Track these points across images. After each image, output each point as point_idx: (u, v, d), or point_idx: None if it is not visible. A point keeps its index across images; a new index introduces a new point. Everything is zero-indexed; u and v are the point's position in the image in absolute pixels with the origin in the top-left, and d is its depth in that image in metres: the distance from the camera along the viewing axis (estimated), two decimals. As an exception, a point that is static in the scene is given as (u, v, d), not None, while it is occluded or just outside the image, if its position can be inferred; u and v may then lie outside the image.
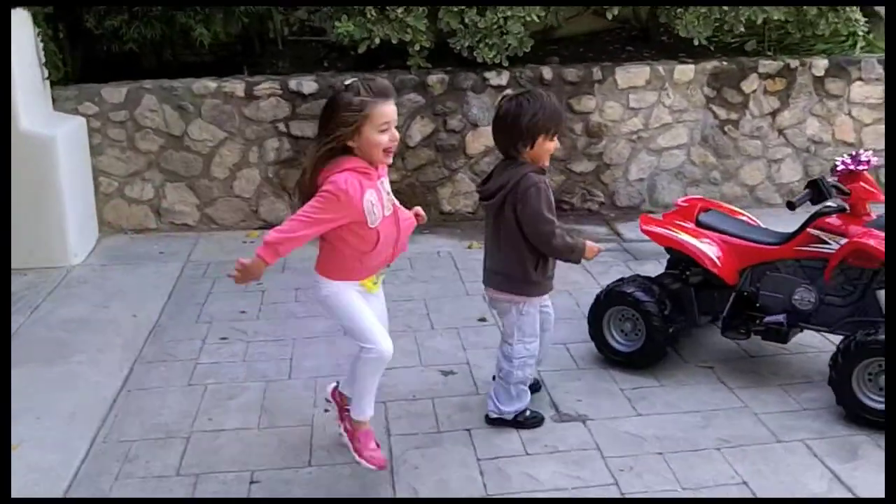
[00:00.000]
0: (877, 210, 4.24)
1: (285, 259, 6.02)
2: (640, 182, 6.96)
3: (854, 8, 6.89)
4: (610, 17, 6.78)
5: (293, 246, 3.26)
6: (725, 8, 6.64)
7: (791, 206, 4.15)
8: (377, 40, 6.49)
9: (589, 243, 3.78)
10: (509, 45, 6.56)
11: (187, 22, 6.45)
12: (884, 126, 7.11)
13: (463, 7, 6.44)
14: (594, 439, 3.85)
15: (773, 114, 6.99)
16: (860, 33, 7.08)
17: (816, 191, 4.11)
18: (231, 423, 4.05)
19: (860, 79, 6.98)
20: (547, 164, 3.83)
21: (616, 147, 6.89)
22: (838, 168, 4.20)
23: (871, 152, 4.21)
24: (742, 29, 6.84)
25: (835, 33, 7.06)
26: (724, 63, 6.91)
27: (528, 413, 4.01)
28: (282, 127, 6.63)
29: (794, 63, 6.92)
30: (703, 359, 4.59)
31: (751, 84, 6.90)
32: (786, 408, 4.11)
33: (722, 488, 3.50)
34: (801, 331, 4.38)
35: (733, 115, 6.95)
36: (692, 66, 6.84)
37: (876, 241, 3.99)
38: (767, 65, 6.89)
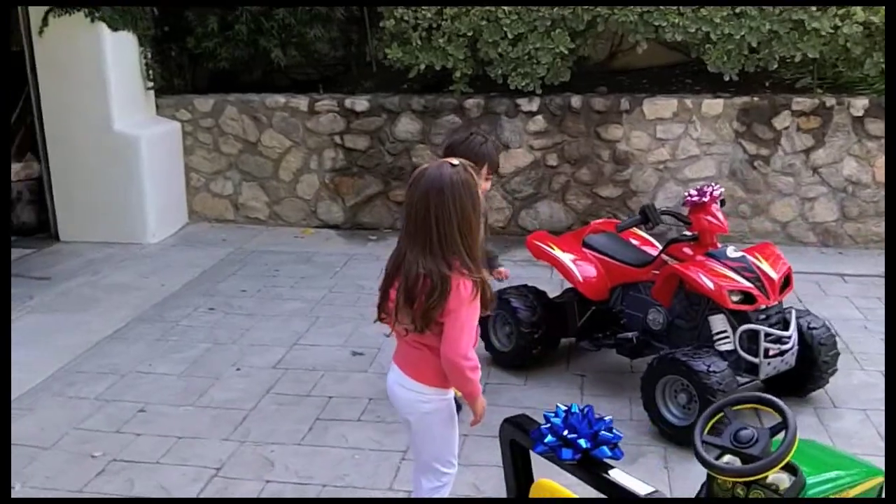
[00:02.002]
0: (740, 242, 4.59)
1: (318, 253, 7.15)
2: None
3: (903, 48, 6.82)
4: (639, 51, 7.21)
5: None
6: (755, 45, 6.88)
7: (618, 228, 4.60)
8: (423, 66, 7.39)
9: None
10: (542, 74, 7.21)
11: (267, 45, 7.68)
12: (934, 170, 6.99)
13: (497, 39, 7.16)
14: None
15: (807, 151, 7.08)
16: (910, 74, 6.98)
17: (644, 217, 4.54)
18: (160, 369, 5.14)
19: (904, 121, 6.90)
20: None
21: (643, 175, 7.31)
22: (686, 199, 4.58)
23: (719, 187, 4.55)
24: (776, 66, 7.02)
25: (882, 74, 7.01)
26: (755, 99, 7.11)
27: None
28: (338, 139, 7.71)
29: (829, 101, 6.99)
30: (583, 369, 5.08)
31: (783, 121, 7.05)
32: (615, 416, 4.55)
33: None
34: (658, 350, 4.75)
35: (764, 151, 7.13)
36: (721, 101, 7.13)
37: (695, 269, 4.37)
38: (801, 102, 7.02)
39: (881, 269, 6.71)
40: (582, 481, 2.33)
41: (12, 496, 3.80)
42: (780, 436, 2.67)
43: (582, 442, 2.21)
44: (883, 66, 6.90)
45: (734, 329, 4.35)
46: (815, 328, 4.59)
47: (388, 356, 5.09)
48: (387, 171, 7.72)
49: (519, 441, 2.48)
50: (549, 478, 2.65)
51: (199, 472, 4.07)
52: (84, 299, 6.26)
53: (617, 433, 2.27)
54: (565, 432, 2.25)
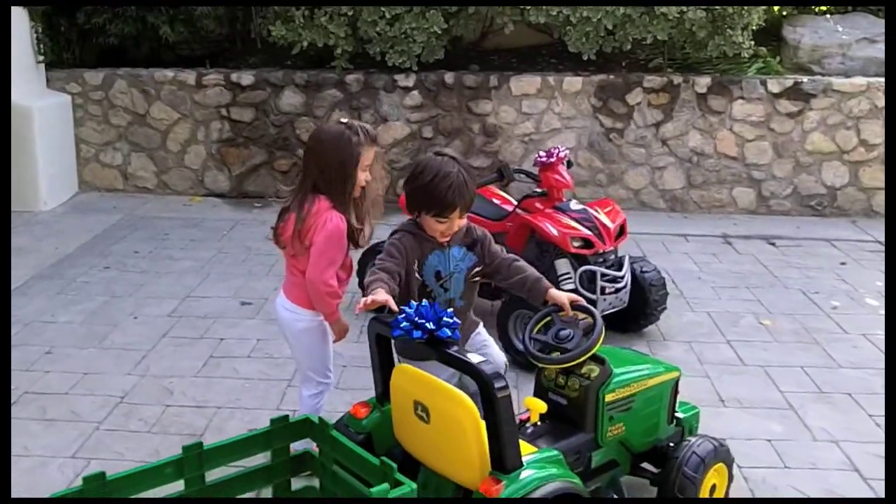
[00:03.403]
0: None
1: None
2: (532, 179, 8.18)
3: (740, 31, 7.86)
4: (507, 31, 8.06)
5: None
6: (611, 27, 7.80)
7: (477, 185, 5.40)
8: (305, 43, 8.06)
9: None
10: (418, 52, 7.97)
11: (155, 22, 8.23)
12: (768, 143, 8.07)
13: (376, 18, 7.89)
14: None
15: (657, 125, 8.07)
16: (745, 56, 8.02)
17: (500, 174, 5.37)
18: (62, 319, 5.71)
19: (742, 97, 7.95)
20: (438, 238, 3.53)
21: (510, 147, 8.17)
22: (536, 160, 5.42)
23: (565, 149, 5.40)
24: (630, 46, 7.96)
25: (724, 55, 8.04)
26: (611, 77, 8.05)
27: None
28: (224, 112, 8.33)
29: (677, 79, 7.98)
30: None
31: (635, 97, 8.01)
32: (476, 349, 5.37)
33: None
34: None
35: (618, 125, 8.08)
36: (580, 79, 8.04)
37: (543, 219, 5.21)
38: (651, 80, 7.99)
39: (720, 231, 7.77)
40: (430, 357, 3.10)
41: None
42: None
43: (429, 324, 2.97)
44: (724, 48, 7.94)
45: (575, 270, 5.20)
46: (647, 271, 5.49)
47: (274, 306, 5.86)
48: (271, 142, 8.38)
49: (382, 333, 3.23)
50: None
51: (106, 400, 4.68)
52: (-17, 262, 6.74)
53: (456, 321, 3.02)
54: (416, 319, 3.00)
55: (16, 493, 3.82)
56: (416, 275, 3.51)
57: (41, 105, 7.95)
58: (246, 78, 8.26)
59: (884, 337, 5.55)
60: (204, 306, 5.96)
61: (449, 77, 8.11)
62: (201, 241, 7.28)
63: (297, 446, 3.23)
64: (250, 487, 3.16)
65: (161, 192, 8.56)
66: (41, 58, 8.15)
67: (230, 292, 6.21)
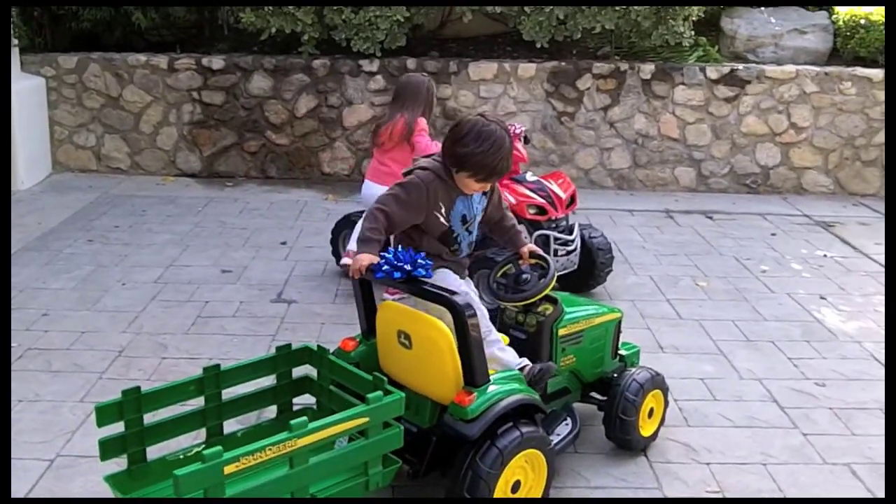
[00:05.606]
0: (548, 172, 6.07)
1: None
2: (489, 159, 8.81)
3: (681, 22, 8.57)
4: (465, 20, 8.69)
5: None
6: (561, 17, 8.46)
7: (441, 159, 6.02)
8: (274, 29, 8.61)
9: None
10: (381, 39, 8.56)
11: (127, 8, 8.72)
12: (707, 126, 8.80)
13: (341, 6, 8.47)
14: (284, 312, 5.84)
15: (605, 109, 8.75)
16: (686, 45, 8.74)
17: (462, 149, 5.99)
18: (54, 286, 6.22)
19: (683, 83, 8.67)
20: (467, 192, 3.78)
21: (468, 128, 8.78)
22: (495, 136, 6.05)
23: (521, 126, 6.04)
24: (580, 35, 8.64)
25: (667, 44, 8.75)
26: (562, 64, 8.72)
27: None
28: (195, 95, 8.84)
29: (623, 66, 8.67)
30: (417, 277, 6.50)
31: (585, 82, 8.69)
32: (441, 308, 5.99)
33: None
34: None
35: (569, 108, 8.75)
36: (534, 65, 8.69)
37: (500, 189, 5.82)
38: (600, 66, 8.67)
39: (663, 206, 8.48)
40: (407, 291, 3.70)
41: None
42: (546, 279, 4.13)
43: (406, 266, 3.57)
44: (667, 37, 8.64)
45: (531, 235, 5.85)
46: (595, 237, 6.16)
47: (253, 273, 6.46)
48: (241, 124, 8.91)
49: (365, 278, 3.83)
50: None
51: (106, 354, 5.20)
52: (-32, 235, 7.20)
53: (428, 262, 3.64)
54: (395, 262, 3.60)
55: (33, 430, 4.34)
56: (443, 220, 3.74)
57: (18, 88, 8.38)
58: (217, 62, 8.78)
59: (805, 297, 6.31)
60: (187, 274, 6.50)
61: (411, 63, 8.71)
62: (178, 217, 7.80)
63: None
64: (259, 405, 3.75)
65: (134, 173, 9.05)
66: (16, 41, 8.59)
67: (210, 261, 6.76)
